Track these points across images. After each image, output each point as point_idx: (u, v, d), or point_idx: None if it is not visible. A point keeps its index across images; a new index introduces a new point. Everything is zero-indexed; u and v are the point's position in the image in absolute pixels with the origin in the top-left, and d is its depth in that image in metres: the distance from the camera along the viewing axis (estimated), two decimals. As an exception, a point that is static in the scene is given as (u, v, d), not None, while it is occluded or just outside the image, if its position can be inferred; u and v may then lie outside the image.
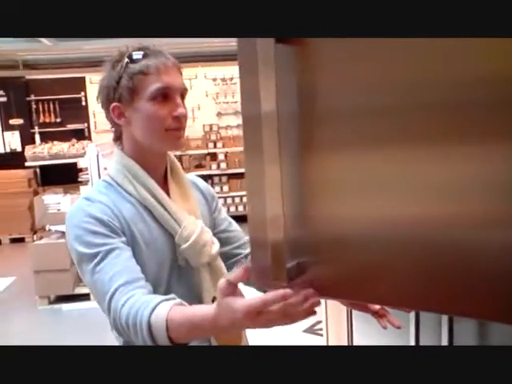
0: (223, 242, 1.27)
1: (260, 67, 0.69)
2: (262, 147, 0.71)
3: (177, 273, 1.14)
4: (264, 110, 0.70)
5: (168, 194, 1.16)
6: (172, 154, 1.23)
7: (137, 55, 1.10)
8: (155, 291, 1.04)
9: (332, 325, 2.46)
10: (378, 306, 1.15)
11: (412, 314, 1.51)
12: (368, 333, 1.88)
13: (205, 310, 0.89)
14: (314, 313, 0.77)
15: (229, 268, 1.26)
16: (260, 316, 0.78)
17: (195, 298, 1.12)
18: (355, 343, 2.06)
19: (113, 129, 1.18)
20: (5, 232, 7.12)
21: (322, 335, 2.75)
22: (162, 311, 0.92)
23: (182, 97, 1.13)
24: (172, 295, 0.98)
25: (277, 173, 0.70)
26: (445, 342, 1.41)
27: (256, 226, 0.76)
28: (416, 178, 0.64)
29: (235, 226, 1.32)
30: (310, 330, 3.76)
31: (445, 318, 1.40)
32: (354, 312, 1.95)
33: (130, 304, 0.96)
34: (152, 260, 1.10)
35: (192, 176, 1.34)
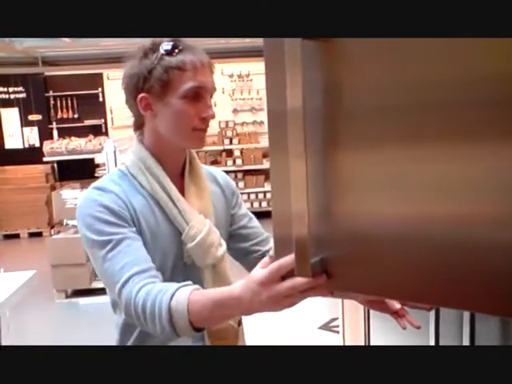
0: (243, 238, 1.28)
1: (287, 64, 0.68)
2: (288, 143, 0.71)
3: (182, 270, 1.13)
4: (290, 106, 0.69)
5: (183, 189, 1.16)
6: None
7: (172, 47, 1.07)
8: None
9: (348, 322, 2.45)
10: (397, 306, 1.14)
11: (432, 314, 1.50)
12: (385, 331, 1.87)
13: (231, 287, 0.90)
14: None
15: (246, 263, 1.26)
16: (274, 286, 0.79)
17: None
18: (372, 342, 2.05)
19: (133, 118, 1.16)
20: (23, 226, 7.22)
21: (337, 332, 2.74)
22: (183, 295, 0.93)
23: (210, 96, 1.12)
24: (189, 282, 0.98)
25: (302, 169, 0.70)
26: (466, 343, 1.39)
27: (280, 222, 0.76)
28: (441, 177, 0.63)
29: (255, 222, 1.32)
30: (326, 327, 3.75)
31: (466, 319, 1.38)
32: (372, 310, 1.94)
33: (144, 291, 0.96)
34: (156, 251, 1.09)
35: (214, 169, 1.33)
